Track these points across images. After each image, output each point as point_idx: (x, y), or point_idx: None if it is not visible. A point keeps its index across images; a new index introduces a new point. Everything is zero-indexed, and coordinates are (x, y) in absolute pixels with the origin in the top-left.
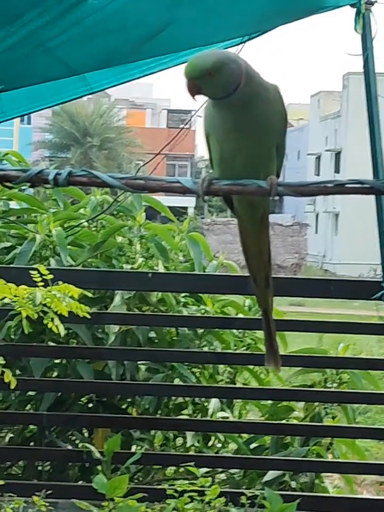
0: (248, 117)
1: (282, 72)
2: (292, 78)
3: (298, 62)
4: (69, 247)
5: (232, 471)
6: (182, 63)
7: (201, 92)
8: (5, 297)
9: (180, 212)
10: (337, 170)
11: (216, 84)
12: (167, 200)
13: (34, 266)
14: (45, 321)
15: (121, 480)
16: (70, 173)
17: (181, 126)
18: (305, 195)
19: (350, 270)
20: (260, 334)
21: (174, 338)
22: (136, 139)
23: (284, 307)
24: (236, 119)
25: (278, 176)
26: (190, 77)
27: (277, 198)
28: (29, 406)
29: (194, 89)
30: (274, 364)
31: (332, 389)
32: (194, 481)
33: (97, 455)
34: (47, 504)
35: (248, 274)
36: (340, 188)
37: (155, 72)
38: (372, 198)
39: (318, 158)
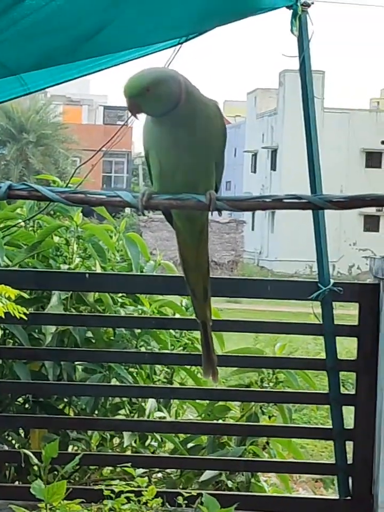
0: (187, 134)
1: (219, 69)
2: (228, 74)
3: (235, 59)
4: (5, 247)
5: (168, 470)
6: (120, 63)
7: (142, 110)
8: None
9: (116, 209)
10: (273, 167)
11: (155, 100)
12: None
13: None
14: None
15: (59, 486)
16: (9, 187)
17: (118, 122)
18: (243, 209)
19: (286, 267)
20: (197, 334)
21: (111, 338)
22: (73, 135)
23: (220, 304)
24: (176, 136)
25: (217, 190)
26: (129, 96)
27: (216, 212)
28: None
29: (135, 107)
30: (212, 376)
31: (268, 389)
32: (131, 482)
33: (35, 460)
34: None
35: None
36: (277, 203)
37: (93, 72)
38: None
39: (255, 155)
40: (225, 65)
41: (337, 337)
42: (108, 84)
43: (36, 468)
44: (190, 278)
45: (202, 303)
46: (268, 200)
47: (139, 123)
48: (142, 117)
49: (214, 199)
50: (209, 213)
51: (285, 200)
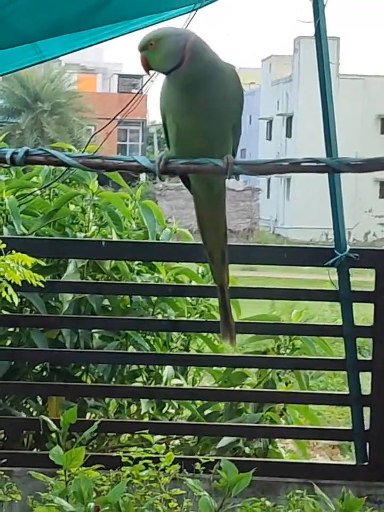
0: (202, 98)
1: (233, 36)
2: (243, 42)
3: (249, 26)
4: (21, 215)
5: (186, 437)
6: (135, 30)
7: (150, 65)
8: None
9: (131, 177)
10: (288, 134)
11: (158, 54)
12: None
13: None
14: None
15: (78, 452)
16: (27, 152)
17: (132, 90)
18: (261, 174)
19: (301, 234)
20: (213, 301)
21: (127, 306)
22: (87, 104)
23: (236, 272)
24: (191, 99)
25: (234, 155)
26: (138, 49)
27: (233, 176)
28: None
29: (144, 62)
30: (230, 339)
31: (285, 355)
32: (149, 448)
33: (54, 427)
34: (2, 472)
35: (201, 242)
36: (295, 166)
37: (108, 39)
38: None
39: (270, 122)
40: (239, 32)
41: (353, 304)
42: (122, 52)
43: (54, 435)
44: (207, 242)
45: (220, 267)
46: (285, 163)
47: (154, 91)
48: (159, 82)
49: (231, 163)
50: (227, 177)
51: (303, 164)
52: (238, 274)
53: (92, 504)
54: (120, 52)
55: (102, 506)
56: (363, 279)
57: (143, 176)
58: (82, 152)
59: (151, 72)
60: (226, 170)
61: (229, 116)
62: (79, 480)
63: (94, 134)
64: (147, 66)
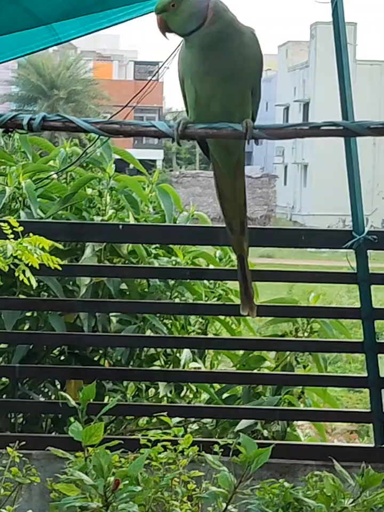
0: (221, 60)
1: (249, 22)
2: (259, 27)
3: (265, 12)
4: (38, 199)
5: (204, 420)
6: (150, 11)
7: (169, 27)
8: None
9: (148, 165)
10: (305, 120)
11: (179, 15)
12: (136, 153)
13: (4, 218)
14: (16, 274)
15: (97, 427)
16: (44, 118)
17: (148, 77)
18: (280, 138)
19: (318, 221)
20: (231, 284)
21: (145, 289)
22: (103, 91)
23: (253, 259)
24: (209, 62)
25: (253, 119)
26: (157, 12)
27: (252, 141)
28: (0, 358)
29: (162, 24)
30: (250, 310)
31: (303, 338)
32: (167, 431)
33: (73, 403)
34: (21, 455)
35: (219, 225)
36: (314, 130)
37: (123, 21)
38: (341, 148)
39: (287, 108)
40: (255, 18)
41: (371, 289)
42: (138, 39)
43: (72, 418)
44: (226, 211)
45: (239, 237)
46: (305, 127)
47: (169, 78)
48: (174, 68)
49: (250, 128)
50: (246, 143)
51: (323, 127)
52: (255, 262)
53: (111, 479)
54: (136, 39)
55: (122, 480)
56: (380, 265)
57: (159, 163)
58: (98, 137)
59: (169, 36)
60: (245, 135)
61: (248, 78)
62: (98, 455)
63: (108, 119)
64: (165, 29)
